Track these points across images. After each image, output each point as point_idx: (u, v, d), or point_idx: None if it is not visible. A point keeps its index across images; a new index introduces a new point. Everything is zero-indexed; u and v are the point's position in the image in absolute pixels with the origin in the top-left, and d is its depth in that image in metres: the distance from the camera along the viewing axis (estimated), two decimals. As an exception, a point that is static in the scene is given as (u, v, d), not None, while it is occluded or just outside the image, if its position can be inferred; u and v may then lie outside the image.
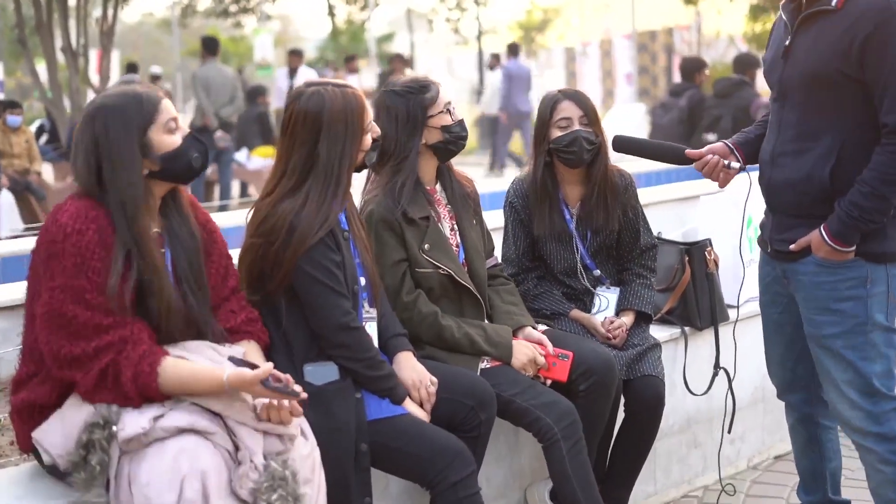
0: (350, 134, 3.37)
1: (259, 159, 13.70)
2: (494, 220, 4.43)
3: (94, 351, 2.82)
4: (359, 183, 3.69)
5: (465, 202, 3.99)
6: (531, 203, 4.21)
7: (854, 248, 3.36)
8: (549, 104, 4.15)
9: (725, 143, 3.73)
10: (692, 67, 11.13)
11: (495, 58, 19.55)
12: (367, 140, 3.43)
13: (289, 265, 3.27)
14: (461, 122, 3.91)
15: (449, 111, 3.86)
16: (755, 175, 3.66)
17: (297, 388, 2.94)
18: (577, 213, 4.23)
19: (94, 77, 14.29)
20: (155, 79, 16.13)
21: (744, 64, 10.83)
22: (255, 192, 14.09)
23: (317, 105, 3.35)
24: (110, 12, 13.32)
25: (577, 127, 4.09)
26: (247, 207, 3.68)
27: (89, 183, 2.92)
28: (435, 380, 3.52)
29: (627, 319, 4.19)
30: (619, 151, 3.87)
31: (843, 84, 3.30)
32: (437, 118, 3.84)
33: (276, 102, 16.78)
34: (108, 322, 2.83)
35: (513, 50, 18.63)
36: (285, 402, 2.92)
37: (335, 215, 3.36)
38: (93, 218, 2.87)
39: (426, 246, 3.77)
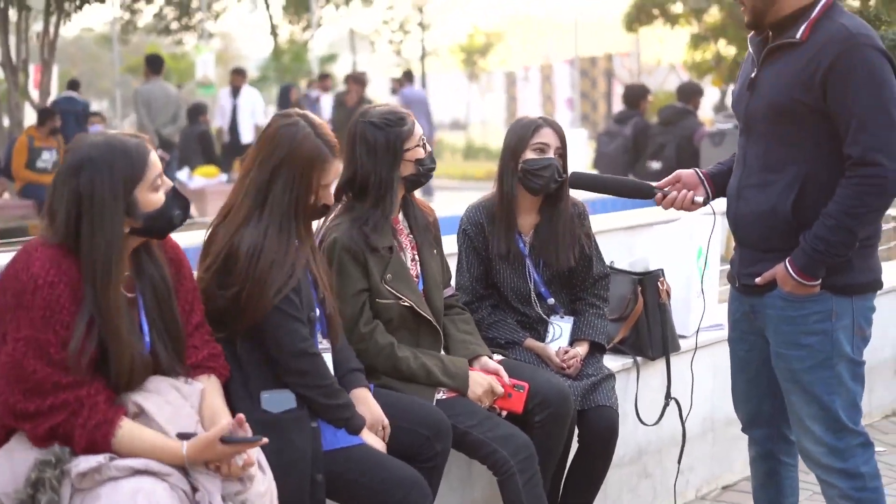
0: (302, 186, 3.29)
1: (201, 178, 13.59)
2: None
3: (49, 408, 2.74)
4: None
5: (426, 232, 3.98)
6: (489, 223, 4.20)
7: (820, 281, 3.34)
8: (531, 127, 4.15)
9: (697, 171, 3.72)
10: (636, 95, 11.24)
11: (398, 82, 19.46)
12: (316, 202, 3.35)
13: (259, 314, 3.21)
14: (431, 154, 3.90)
15: (422, 144, 3.85)
16: (718, 207, 3.68)
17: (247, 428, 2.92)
18: (531, 242, 4.23)
19: (34, 92, 14.09)
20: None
21: (688, 92, 10.95)
22: (196, 213, 13.97)
23: (285, 137, 3.30)
24: (52, 27, 13.15)
25: (551, 155, 4.10)
26: (188, 229, 3.61)
27: (66, 236, 2.82)
28: (387, 423, 3.50)
29: (581, 349, 4.19)
30: (576, 188, 3.87)
31: (806, 115, 3.30)
32: (412, 151, 3.81)
33: (218, 121, 16.66)
34: (67, 381, 2.75)
35: (408, 76, 18.55)
36: (244, 455, 2.88)
37: (301, 263, 3.31)
38: (65, 269, 2.78)
39: (388, 276, 3.75)
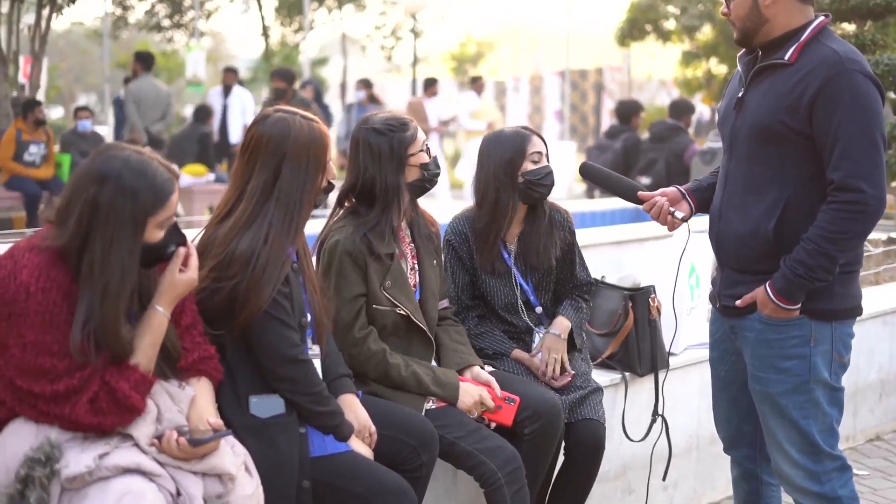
0: (312, 169, 3.30)
1: (188, 177, 13.52)
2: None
3: (80, 382, 2.75)
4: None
5: (429, 242, 3.96)
6: (474, 235, 4.18)
7: (799, 305, 3.34)
8: (524, 138, 4.13)
9: (678, 188, 3.73)
10: (629, 111, 11.29)
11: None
12: (322, 180, 3.36)
13: (252, 315, 3.17)
14: (435, 160, 3.90)
15: (425, 150, 3.84)
16: (695, 223, 3.68)
17: (217, 423, 2.95)
18: (515, 250, 4.22)
19: (24, 83, 13.98)
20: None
21: (680, 109, 10.99)
22: (182, 211, 13.89)
23: (282, 131, 3.28)
24: (43, 20, 13.08)
25: (545, 163, 4.10)
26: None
27: (72, 240, 2.79)
28: (374, 430, 3.47)
29: (560, 329, 4.16)
30: (585, 178, 3.88)
31: (790, 138, 3.30)
32: (416, 156, 3.81)
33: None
34: (84, 361, 2.77)
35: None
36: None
37: (290, 256, 3.29)
38: (54, 276, 2.78)
39: (387, 283, 3.73)
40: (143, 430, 2.83)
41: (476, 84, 17.90)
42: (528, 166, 4.10)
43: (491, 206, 4.14)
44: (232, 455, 2.97)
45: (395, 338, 3.79)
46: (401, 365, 3.72)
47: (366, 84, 17.08)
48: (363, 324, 3.71)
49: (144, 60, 13.61)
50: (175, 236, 2.96)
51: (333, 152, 3.57)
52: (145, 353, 2.88)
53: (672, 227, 3.68)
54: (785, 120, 3.29)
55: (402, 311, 3.75)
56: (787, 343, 3.39)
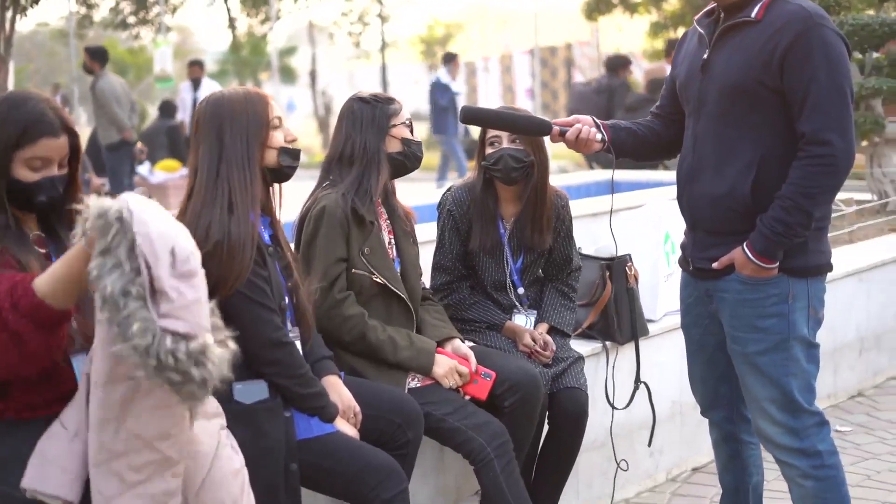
0: (253, 124, 3.26)
1: (162, 173, 13.51)
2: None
3: None
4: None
5: (404, 223, 4.01)
6: (470, 214, 4.21)
7: (778, 264, 3.38)
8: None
9: (592, 118, 3.67)
10: (617, 64, 12.03)
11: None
12: (278, 137, 3.31)
13: (239, 273, 3.14)
14: (419, 144, 3.97)
15: (409, 126, 3.93)
16: (667, 192, 3.69)
17: None
18: (510, 229, 4.24)
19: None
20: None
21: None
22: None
23: (216, 101, 3.30)
24: (7, 23, 12.98)
25: (505, 145, 4.11)
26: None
27: None
28: (359, 410, 3.49)
29: (542, 329, 4.23)
30: (467, 123, 3.84)
31: (763, 96, 3.32)
32: (398, 129, 3.90)
33: (180, 115, 16.53)
34: None
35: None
36: None
37: (256, 231, 3.24)
38: None
39: (366, 250, 3.78)
40: None
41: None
42: (487, 150, 4.16)
43: (473, 184, 4.24)
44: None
45: (373, 305, 3.82)
46: (378, 328, 3.76)
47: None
48: (342, 287, 3.75)
49: (101, 57, 13.07)
50: (50, 190, 2.83)
51: None
52: (53, 278, 2.56)
53: (588, 151, 3.64)
54: (758, 77, 3.31)
55: (378, 279, 3.80)
56: (766, 302, 3.42)
